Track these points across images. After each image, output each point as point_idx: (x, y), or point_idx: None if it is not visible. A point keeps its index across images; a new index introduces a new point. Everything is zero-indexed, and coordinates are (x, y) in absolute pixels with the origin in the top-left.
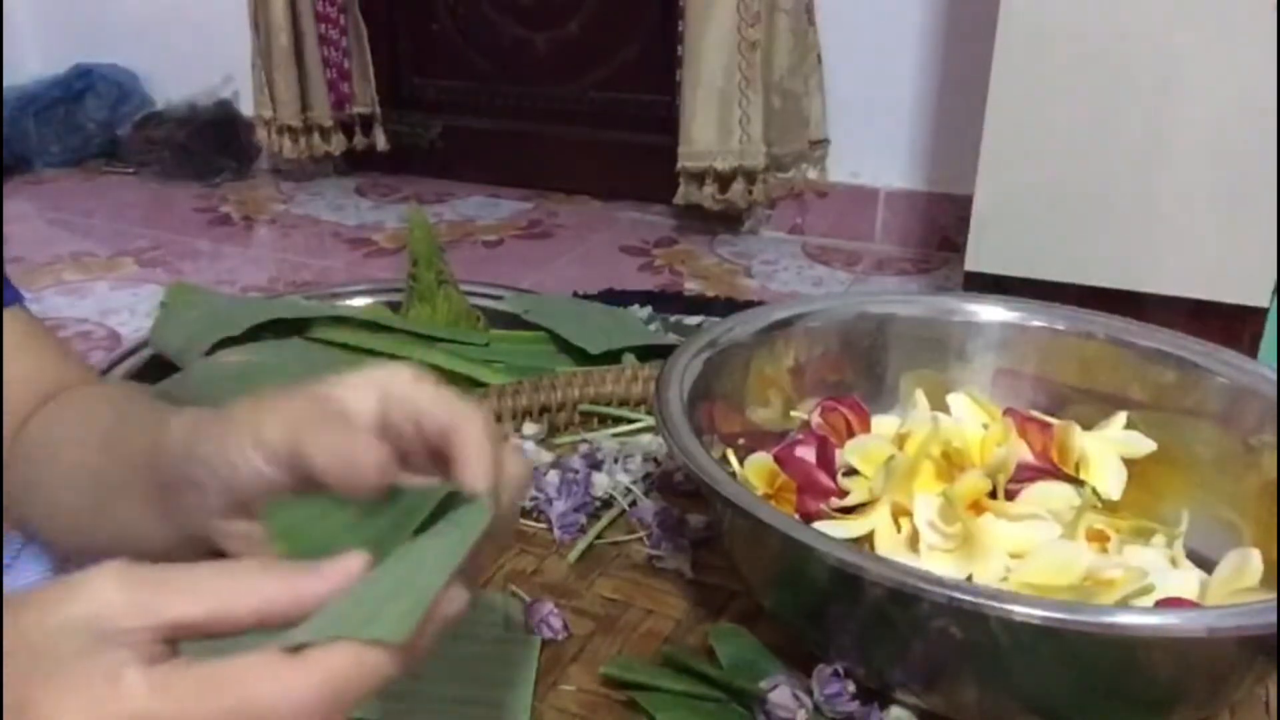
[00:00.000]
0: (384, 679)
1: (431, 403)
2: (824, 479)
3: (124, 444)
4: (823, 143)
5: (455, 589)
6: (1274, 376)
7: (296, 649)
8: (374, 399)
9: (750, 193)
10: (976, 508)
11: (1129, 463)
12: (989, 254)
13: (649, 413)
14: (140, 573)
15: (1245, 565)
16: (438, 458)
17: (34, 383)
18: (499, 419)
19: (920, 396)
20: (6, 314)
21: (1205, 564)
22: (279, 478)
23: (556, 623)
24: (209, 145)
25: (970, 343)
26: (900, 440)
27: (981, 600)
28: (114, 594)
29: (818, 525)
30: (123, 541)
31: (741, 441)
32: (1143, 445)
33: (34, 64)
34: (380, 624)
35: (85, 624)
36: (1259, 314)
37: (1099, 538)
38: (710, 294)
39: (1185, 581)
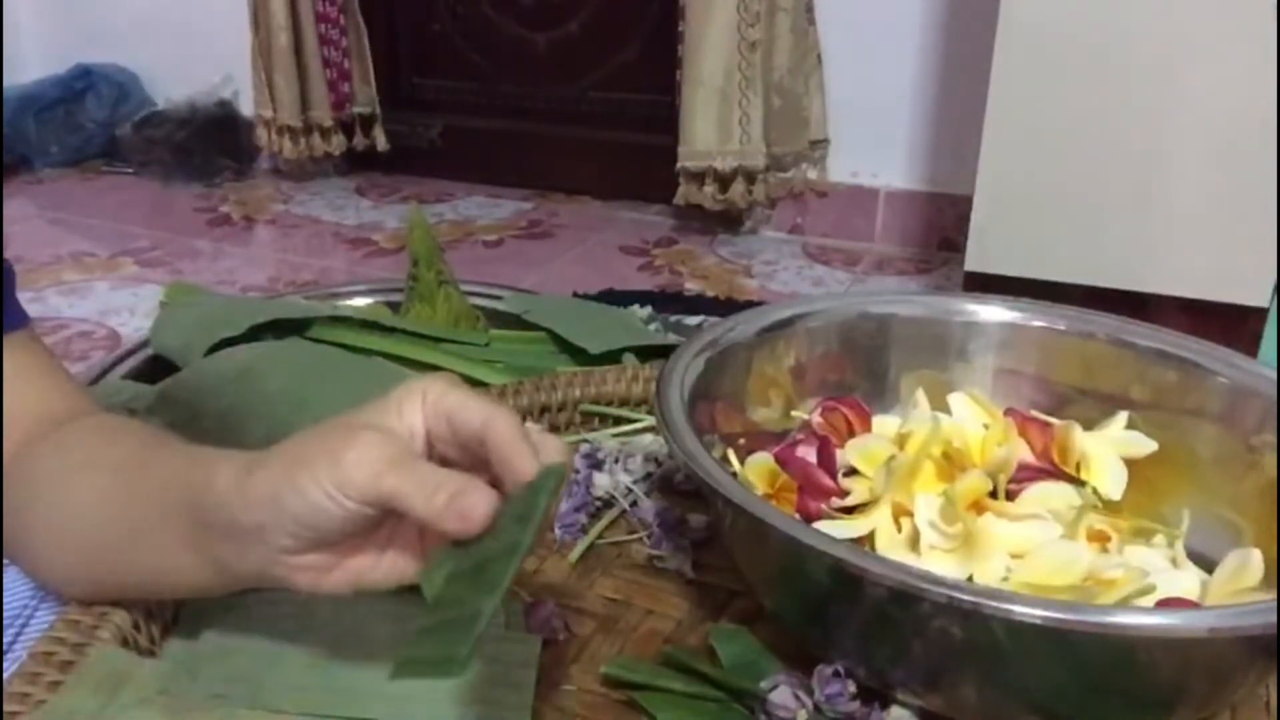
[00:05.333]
0: None
1: (461, 407)
2: (824, 479)
3: (153, 491)
4: (823, 143)
5: None
6: (1274, 376)
7: None
8: (418, 418)
9: (750, 193)
10: (977, 508)
11: (1130, 463)
12: (989, 254)
13: (649, 413)
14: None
15: (1246, 565)
16: (476, 460)
17: (25, 414)
18: None
19: (921, 396)
20: (7, 339)
21: (1206, 564)
22: (369, 511)
23: (557, 623)
24: (209, 145)
25: (971, 343)
26: (901, 440)
27: (982, 600)
28: None
29: (818, 525)
30: (151, 579)
31: (742, 441)
32: (1143, 445)
33: (34, 64)
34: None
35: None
36: (1259, 314)
37: (1100, 538)
38: (710, 294)
39: (1186, 581)
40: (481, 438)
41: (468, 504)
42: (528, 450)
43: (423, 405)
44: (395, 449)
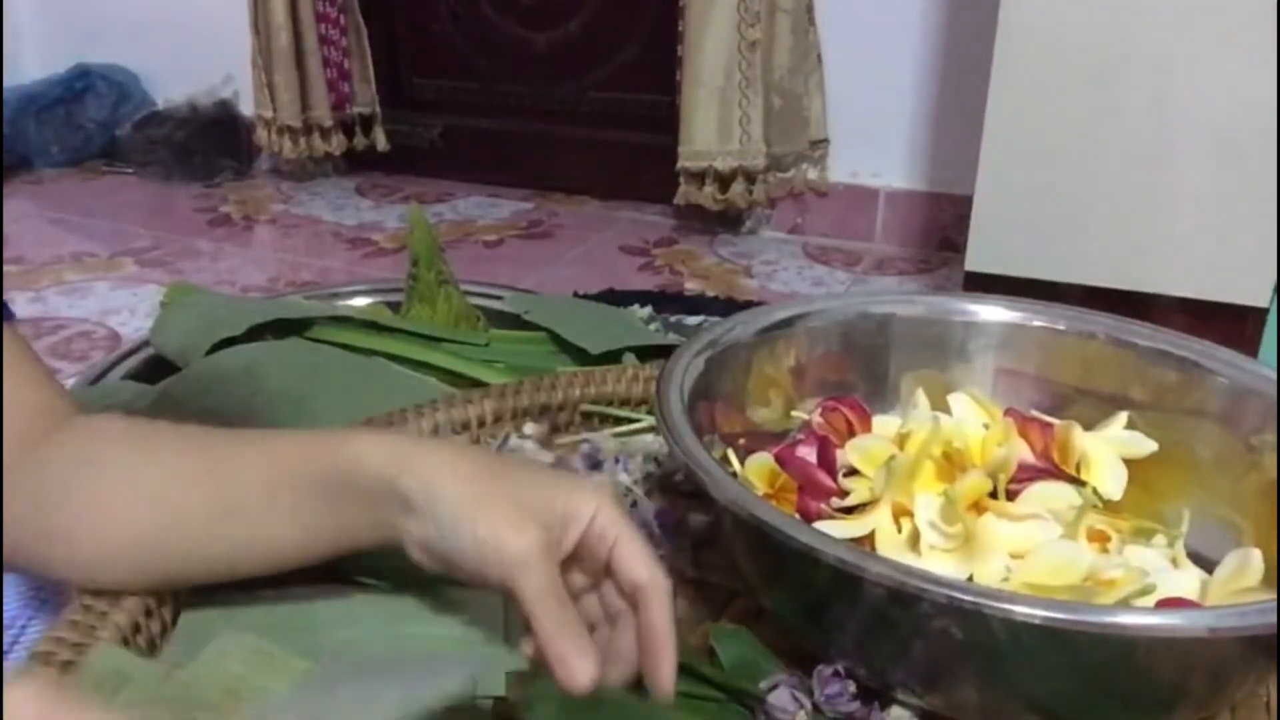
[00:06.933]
0: None
1: (629, 553)
2: (825, 479)
3: (258, 465)
4: (823, 143)
5: None
6: (1274, 376)
7: None
8: (589, 515)
9: (750, 193)
10: (977, 508)
11: (1130, 463)
12: (989, 254)
13: (649, 413)
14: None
15: (1246, 565)
16: (611, 581)
17: (24, 408)
18: (499, 419)
19: (921, 396)
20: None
21: (1206, 564)
22: (499, 585)
23: None
24: (209, 145)
25: (971, 343)
26: (901, 440)
27: (982, 600)
28: None
29: (818, 525)
30: (226, 556)
31: (742, 441)
32: (1143, 445)
33: (34, 64)
34: None
35: None
36: (1259, 314)
37: (1100, 538)
38: (710, 294)
39: (1186, 581)
40: (635, 591)
41: (579, 671)
42: (672, 642)
43: (590, 520)
44: (551, 568)
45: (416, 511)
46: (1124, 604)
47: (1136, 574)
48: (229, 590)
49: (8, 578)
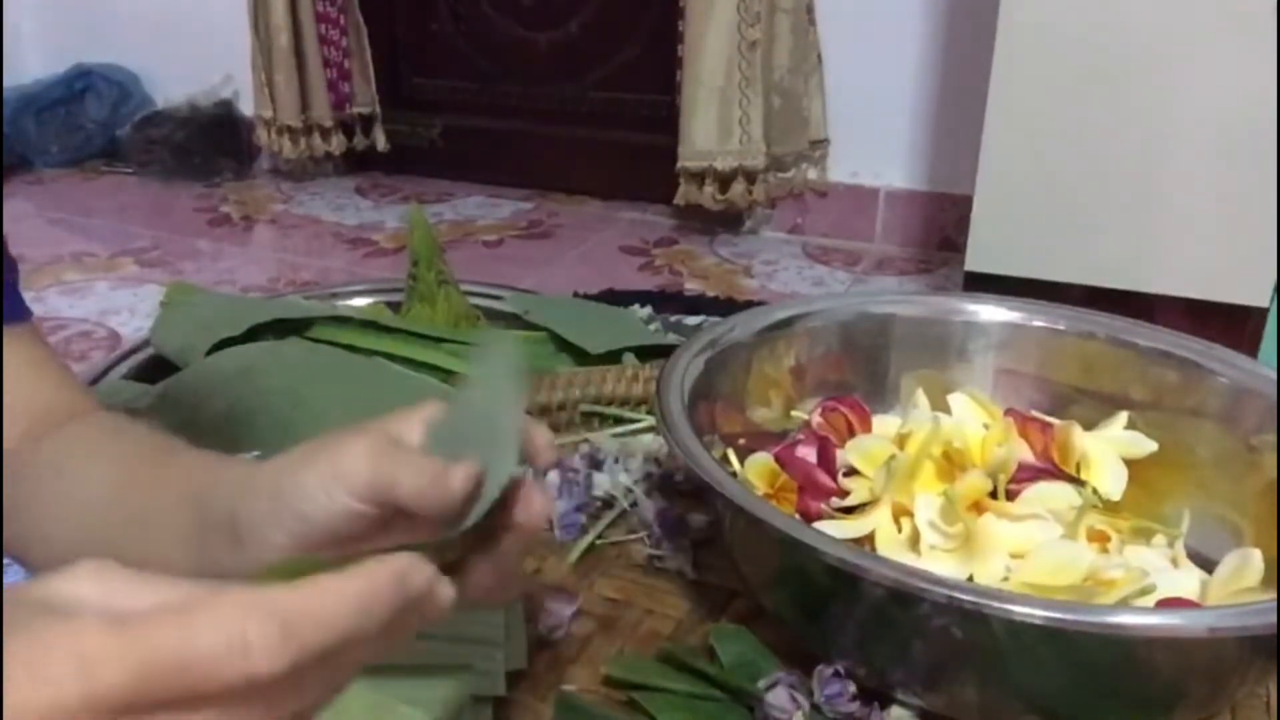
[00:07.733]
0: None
1: None
2: (825, 479)
3: (157, 485)
4: (823, 143)
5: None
6: (1274, 376)
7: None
8: (420, 431)
9: (750, 193)
10: (977, 508)
11: (1130, 463)
12: (989, 254)
13: (649, 413)
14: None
15: (1246, 565)
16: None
17: (27, 408)
18: None
19: (921, 396)
20: (11, 333)
21: (1206, 564)
22: (363, 508)
23: (557, 622)
24: (209, 145)
25: (971, 343)
26: (901, 440)
27: (982, 600)
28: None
29: (818, 525)
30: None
31: (742, 441)
32: (1144, 445)
33: (34, 64)
34: None
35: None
36: (1259, 314)
37: (1100, 538)
38: (710, 294)
39: (1186, 581)
40: None
41: (455, 476)
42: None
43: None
44: (393, 445)
45: (265, 522)
46: (1124, 604)
47: (1136, 574)
48: None
49: (19, 571)
